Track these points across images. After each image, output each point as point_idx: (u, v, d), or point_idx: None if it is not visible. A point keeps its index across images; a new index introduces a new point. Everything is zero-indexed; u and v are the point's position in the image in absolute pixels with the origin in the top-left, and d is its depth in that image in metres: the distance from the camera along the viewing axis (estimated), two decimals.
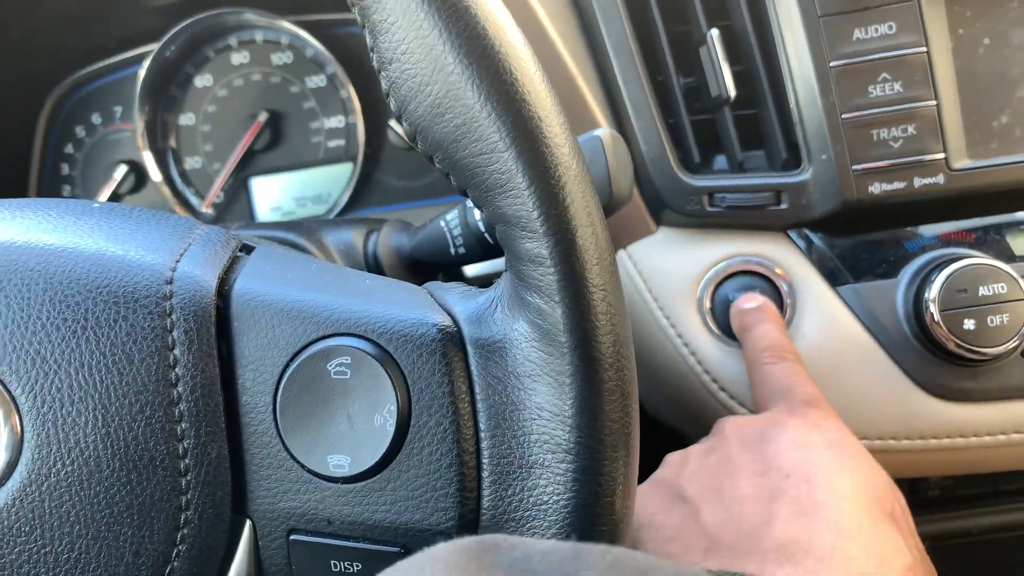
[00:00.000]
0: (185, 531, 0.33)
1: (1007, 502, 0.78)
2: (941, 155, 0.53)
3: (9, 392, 0.33)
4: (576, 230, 0.30)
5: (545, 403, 0.31)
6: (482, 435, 0.32)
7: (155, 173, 0.74)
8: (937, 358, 0.53)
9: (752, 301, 0.55)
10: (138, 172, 0.76)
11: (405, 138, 0.73)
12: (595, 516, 0.31)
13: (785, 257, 0.57)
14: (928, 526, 0.77)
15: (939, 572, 0.79)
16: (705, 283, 0.57)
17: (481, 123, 0.30)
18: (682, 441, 0.74)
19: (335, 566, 0.34)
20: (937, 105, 0.53)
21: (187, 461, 0.33)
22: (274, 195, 0.75)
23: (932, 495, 0.75)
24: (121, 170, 0.75)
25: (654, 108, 0.58)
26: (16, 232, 0.35)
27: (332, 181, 0.75)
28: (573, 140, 0.31)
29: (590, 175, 0.32)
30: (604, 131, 0.42)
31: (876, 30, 0.53)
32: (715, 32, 0.55)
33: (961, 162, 0.53)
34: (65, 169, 0.77)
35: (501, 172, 0.30)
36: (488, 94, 0.30)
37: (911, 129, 0.53)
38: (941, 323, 0.51)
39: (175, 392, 0.33)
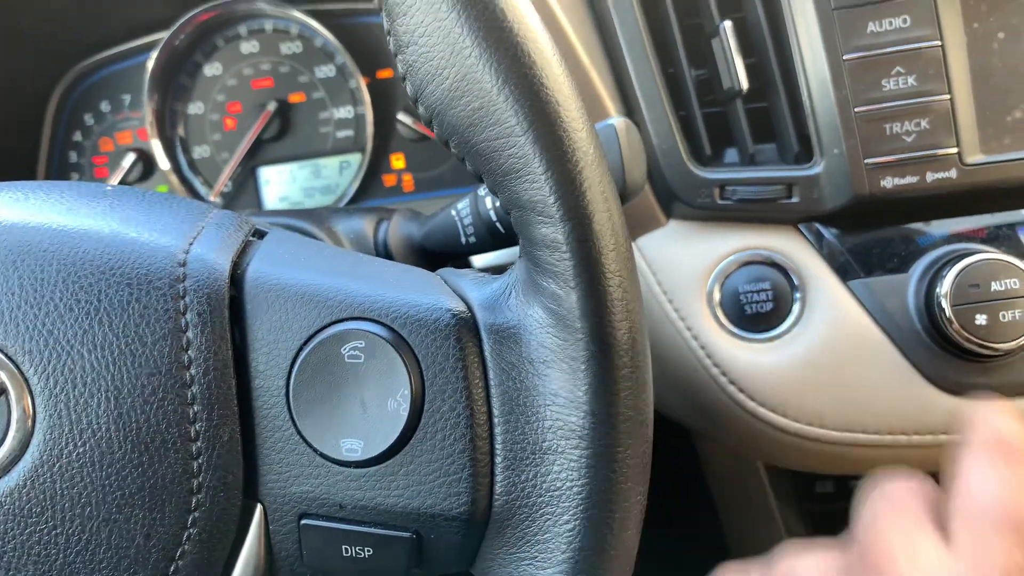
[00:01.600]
0: (196, 514, 0.33)
1: None
2: (954, 150, 0.53)
3: (22, 372, 0.33)
4: (593, 215, 0.30)
5: (560, 389, 0.31)
6: (496, 421, 0.32)
7: (163, 161, 0.74)
8: (948, 353, 0.53)
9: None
10: (146, 160, 0.76)
11: (415, 128, 0.72)
12: (609, 502, 0.31)
13: (795, 251, 0.57)
14: None
15: None
16: (715, 276, 0.57)
17: (498, 107, 0.30)
18: (687, 436, 0.74)
19: (346, 551, 0.33)
20: (951, 99, 0.53)
21: (199, 444, 0.33)
22: (282, 185, 0.75)
23: None
24: (129, 158, 0.75)
25: (666, 100, 0.57)
26: (29, 213, 0.35)
27: (340, 172, 0.75)
28: (590, 126, 0.31)
29: (607, 161, 0.32)
30: (618, 120, 0.42)
31: (890, 23, 0.53)
32: (728, 24, 0.55)
33: (974, 157, 0.53)
34: (73, 157, 0.77)
35: (518, 156, 0.30)
36: (506, 78, 0.30)
37: (924, 123, 0.53)
38: (953, 318, 0.51)
39: (188, 375, 0.33)
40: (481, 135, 0.31)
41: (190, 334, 0.33)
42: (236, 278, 0.35)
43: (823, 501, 0.76)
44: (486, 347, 0.33)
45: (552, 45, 0.31)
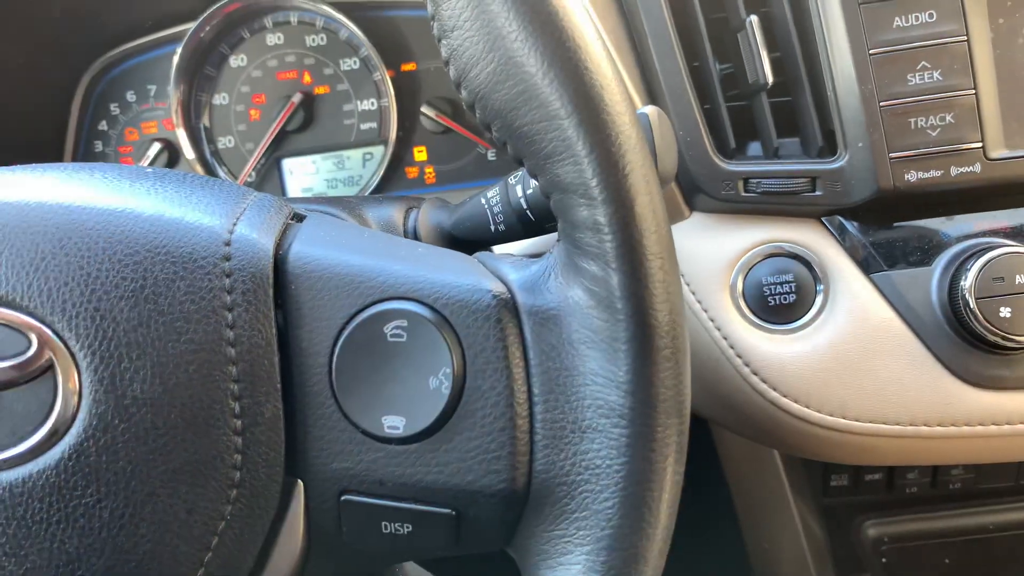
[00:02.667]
0: (238, 490, 0.34)
1: None
2: (978, 144, 0.53)
3: (69, 348, 0.33)
4: (635, 197, 0.31)
5: (600, 369, 0.32)
6: (535, 399, 0.33)
7: (188, 151, 0.75)
8: (971, 346, 0.53)
9: None
10: (171, 150, 0.77)
11: (439, 120, 0.73)
12: (648, 482, 0.31)
13: (819, 244, 0.57)
14: (950, 521, 0.78)
15: (960, 566, 0.79)
16: (739, 268, 0.58)
17: (542, 90, 0.31)
18: (705, 426, 0.74)
19: (386, 527, 0.34)
20: (976, 94, 0.53)
21: (241, 421, 0.34)
22: (305, 176, 0.76)
23: (954, 488, 0.76)
24: (155, 148, 0.76)
25: (691, 93, 0.58)
26: (75, 193, 0.36)
27: (363, 163, 0.75)
28: (632, 110, 0.32)
29: (647, 145, 0.32)
30: (650, 109, 0.43)
31: (916, 18, 0.53)
32: (754, 18, 0.55)
33: (998, 151, 0.53)
34: (98, 146, 0.78)
35: (561, 139, 0.31)
36: (550, 61, 0.30)
37: (949, 117, 0.53)
38: (977, 311, 0.51)
39: (232, 352, 0.33)
40: (524, 118, 0.31)
41: (235, 312, 0.34)
42: (279, 259, 0.35)
43: (838, 494, 0.77)
44: (526, 328, 0.33)
45: (596, 30, 0.32)
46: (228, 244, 0.34)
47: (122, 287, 0.34)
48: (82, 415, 0.33)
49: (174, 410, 0.33)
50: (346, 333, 0.33)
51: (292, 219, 0.39)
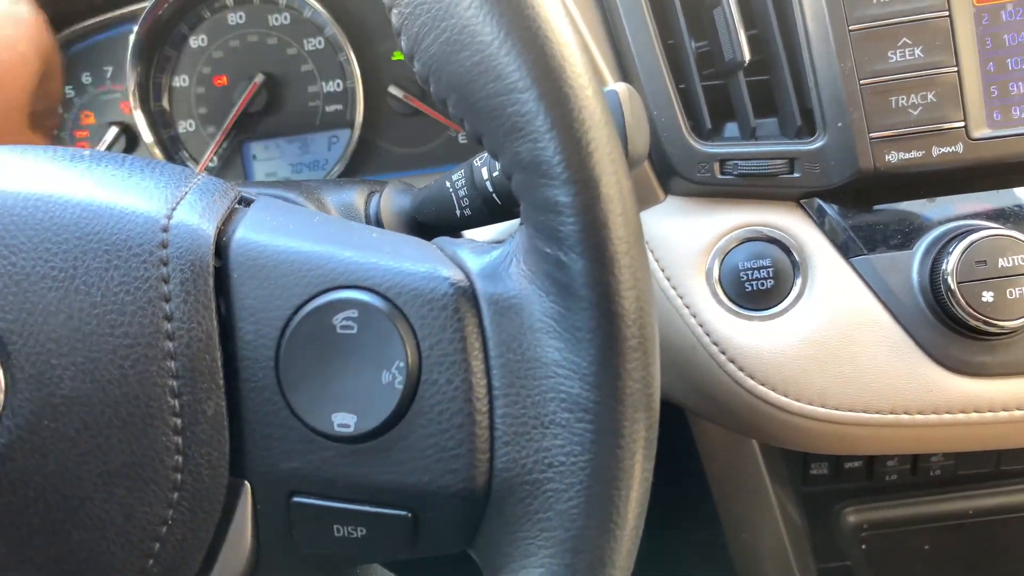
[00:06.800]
0: (179, 493, 0.32)
1: (1007, 484, 0.78)
2: (961, 123, 0.52)
3: None
4: (600, 177, 0.28)
5: (563, 360, 0.30)
6: (495, 393, 0.31)
7: (147, 135, 0.72)
8: (953, 331, 0.52)
9: None
10: (129, 135, 0.73)
11: (406, 102, 0.70)
12: (615, 480, 0.29)
13: (797, 227, 0.55)
14: (929, 507, 0.77)
15: (939, 552, 0.79)
16: (715, 253, 0.56)
17: (499, 61, 0.28)
18: (681, 414, 0.73)
19: (338, 531, 0.32)
20: (958, 71, 0.52)
21: (181, 419, 0.31)
22: (269, 160, 0.73)
23: (934, 474, 0.75)
24: (112, 132, 0.73)
25: (665, 72, 0.56)
26: (2, 178, 0.33)
27: (329, 147, 0.73)
28: (597, 84, 0.30)
29: (614, 122, 0.30)
30: (621, 85, 0.41)
31: None
32: None
33: (981, 131, 0.52)
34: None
35: (520, 114, 0.29)
36: (508, 30, 0.28)
37: (931, 96, 0.52)
38: (959, 295, 0.49)
39: (169, 346, 0.31)
40: (481, 92, 0.29)
41: (172, 304, 0.31)
42: (221, 246, 0.33)
43: (818, 482, 0.75)
44: (485, 317, 0.31)
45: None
46: (166, 231, 0.32)
47: (50, 277, 0.31)
48: (8, 415, 0.31)
49: (108, 409, 0.31)
50: (293, 324, 0.31)
51: (239, 203, 0.36)
